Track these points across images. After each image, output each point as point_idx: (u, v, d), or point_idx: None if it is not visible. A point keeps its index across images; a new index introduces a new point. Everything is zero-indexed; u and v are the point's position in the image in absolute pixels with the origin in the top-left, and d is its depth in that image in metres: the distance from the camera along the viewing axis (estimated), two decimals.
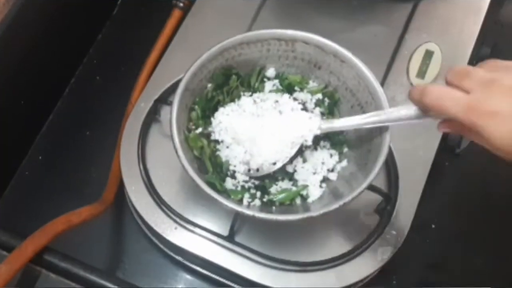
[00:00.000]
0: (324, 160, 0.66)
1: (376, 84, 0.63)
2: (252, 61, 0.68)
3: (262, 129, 0.63)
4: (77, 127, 0.94)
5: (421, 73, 0.78)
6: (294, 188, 0.64)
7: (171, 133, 0.60)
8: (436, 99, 0.51)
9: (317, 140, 0.65)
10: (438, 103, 0.51)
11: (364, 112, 0.65)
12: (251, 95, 0.68)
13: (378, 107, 0.62)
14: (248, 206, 0.63)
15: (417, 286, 0.85)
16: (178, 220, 0.70)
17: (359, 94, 0.65)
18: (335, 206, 0.57)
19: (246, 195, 0.63)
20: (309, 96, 0.68)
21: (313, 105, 0.68)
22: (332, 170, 0.66)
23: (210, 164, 0.64)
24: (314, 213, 0.57)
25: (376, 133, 0.62)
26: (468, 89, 0.50)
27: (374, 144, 0.63)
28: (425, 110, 0.54)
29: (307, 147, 0.64)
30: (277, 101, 0.66)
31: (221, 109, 0.66)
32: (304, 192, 0.64)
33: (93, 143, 0.93)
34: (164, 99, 0.75)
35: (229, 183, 0.64)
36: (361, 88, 0.65)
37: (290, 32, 0.66)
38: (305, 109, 0.66)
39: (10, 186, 0.90)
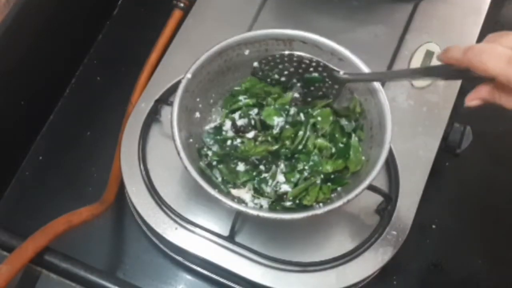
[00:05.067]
0: None
1: (375, 82, 0.63)
2: (251, 61, 0.68)
3: None
4: (77, 127, 0.94)
5: None
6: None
7: (172, 134, 0.60)
8: (478, 54, 0.48)
9: None
10: (479, 59, 0.48)
11: (363, 109, 0.65)
12: None
13: (377, 104, 0.62)
14: (253, 200, 0.64)
15: (418, 286, 0.85)
16: (178, 220, 0.70)
17: (358, 92, 0.66)
18: (339, 203, 0.57)
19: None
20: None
21: None
22: None
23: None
24: (318, 210, 0.57)
25: (377, 129, 0.62)
26: (509, 46, 0.48)
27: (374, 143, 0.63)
28: (459, 70, 0.52)
29: None
30: None
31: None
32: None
33: (93, 143, 0.93)
34: (165, 99, 0.75)
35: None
36: (360, 86, 0.65)
37: (287, 32, 0.66)
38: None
39: (11, 186, 0.90)
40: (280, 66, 0.67)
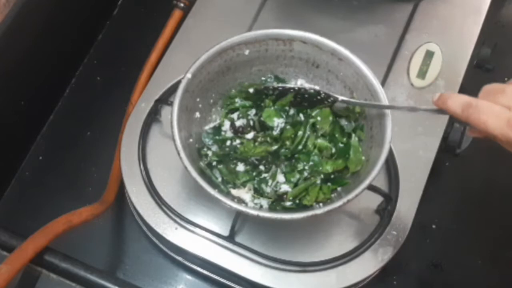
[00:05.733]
0: None
1: (375, 81, 0.63)
2: (251, 61, 0.68)
3: None
4: (77, 127, 0.94)
5: (422, 74, 0.78)
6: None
7: (172, 134, 0.60)
8: (476, 113, 0.49)
9: None
10: (477, 117, 0.49)
11: (363, 109, 0.65)
12: None
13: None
14: (253, 200, 0.64)
15: (417, 286, 0.85)
16: (178, 220, 0.70)
17: (358, 92, 0.66)
18: (339, 203, 0.57)
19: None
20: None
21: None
22: None
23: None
24: (318, 210, 0.57)
25: (377, 129, 0.62)
26: (506, 105, 0.48)
27: (375, 142, 0.63)
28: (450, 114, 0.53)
29: None
30: None
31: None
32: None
33: (93, 143, 0.93)
34: (165, 99, 0.75)
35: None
36: (360, 86, 0.65)
37: (288, 32, 0.66)
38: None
39: (11, 186, 0.90)
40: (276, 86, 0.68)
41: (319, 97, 0.66)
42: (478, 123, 0.49)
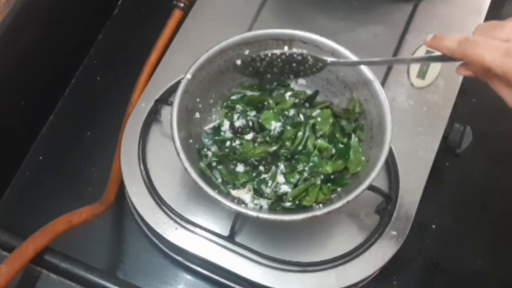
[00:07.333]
0: None
1: (375, 81, 0.63)
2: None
3: None
4: (77, 127, 0.94)
5: (422, 74, 0.78)
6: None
7: (172, 135, 0.60)
8: (473, 46, 0.49)
9: None
10: (474, 51, 0.49)
11: (363, 109, 0.65)
12: None
13: (377, 104, 0.62)
14: (253, 201, 0.64)
15: (417, 286, 0.85)
16: (178, 220, 0.70)
17: (358, 92, 0.66)
18: (338, 204, 0.57)
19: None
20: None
21: None
22: None
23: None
24: (318, 212, 0.57)
25: (377, 129, 0.62)
26: (505, 38, 0.49)
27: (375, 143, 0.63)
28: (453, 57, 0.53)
29: None
30: None
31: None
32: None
33: (93, 143, 0.93)
34: (165, 99, 0.75)
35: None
36: (360, 86, 0.65)
37: (288, 32, 0.66)
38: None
39: (11, 186, 0.90)
40: (263, 56, 0.67)
41: (307, 65, 0.66)
42: (475, 57, 0.49)
